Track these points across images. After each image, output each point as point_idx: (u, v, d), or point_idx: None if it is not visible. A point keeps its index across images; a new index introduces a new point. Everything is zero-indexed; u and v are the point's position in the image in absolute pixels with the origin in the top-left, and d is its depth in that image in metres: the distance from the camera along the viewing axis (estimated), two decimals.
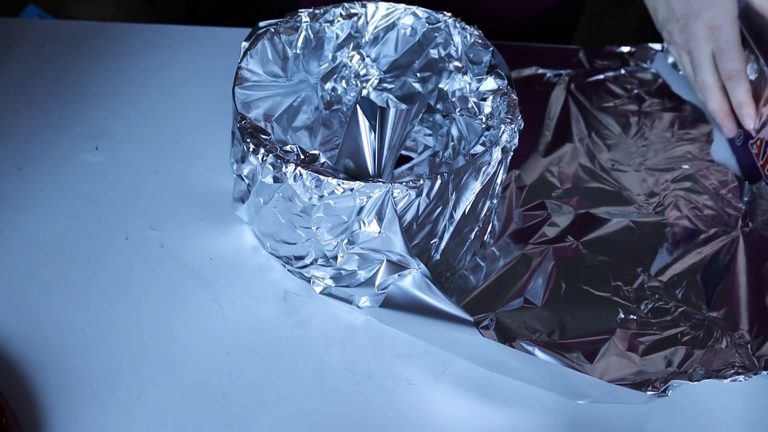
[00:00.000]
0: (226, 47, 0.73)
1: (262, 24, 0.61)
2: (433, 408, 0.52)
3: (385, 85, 0.67)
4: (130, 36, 0.76)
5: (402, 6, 0.64)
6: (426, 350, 0.55)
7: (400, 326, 0.56)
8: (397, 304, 0.53)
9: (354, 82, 0.67)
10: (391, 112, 0.55)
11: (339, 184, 0.50)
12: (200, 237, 0.61)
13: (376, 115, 0.55)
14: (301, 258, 0.56)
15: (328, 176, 0.50)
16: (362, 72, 0.67)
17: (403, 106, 0.66)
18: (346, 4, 0.63)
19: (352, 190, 0.50)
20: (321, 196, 0.51)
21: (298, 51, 0.62)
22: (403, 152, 0.67)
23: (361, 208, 0.51)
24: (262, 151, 0.52)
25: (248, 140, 0.53)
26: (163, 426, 0.51)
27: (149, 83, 0.73)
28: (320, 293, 0.57)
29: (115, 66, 0.74)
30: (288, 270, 0.59)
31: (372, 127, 0.56)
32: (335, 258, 0.54)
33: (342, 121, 0.68)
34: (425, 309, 0.51)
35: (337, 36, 0.64)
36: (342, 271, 0.55)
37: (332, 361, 0.54)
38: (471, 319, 0.50)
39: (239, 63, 0.58)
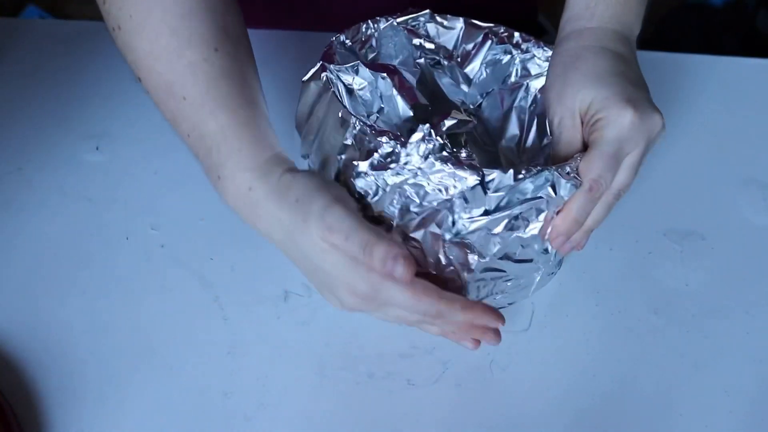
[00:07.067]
0: None
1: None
2: (434, 408, 0.52)
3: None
4: None
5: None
6: (427, 351, 0.55)
7: None
8: None
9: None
10: None
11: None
12: (200, 237, 0.61)
13: None
14: None
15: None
16: None
17: None
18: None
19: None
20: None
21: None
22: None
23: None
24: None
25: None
26: (163, 426, 0.50)
27: None
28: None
29: (115, 66, 0.74)
30: None
31: None
32: None
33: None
34: None
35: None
36: None
37: (332, 361, 0.54)
38: None
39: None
